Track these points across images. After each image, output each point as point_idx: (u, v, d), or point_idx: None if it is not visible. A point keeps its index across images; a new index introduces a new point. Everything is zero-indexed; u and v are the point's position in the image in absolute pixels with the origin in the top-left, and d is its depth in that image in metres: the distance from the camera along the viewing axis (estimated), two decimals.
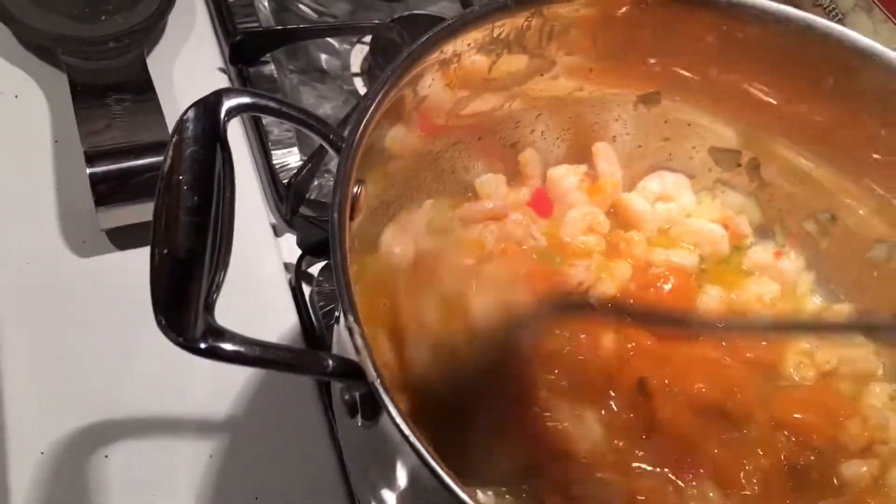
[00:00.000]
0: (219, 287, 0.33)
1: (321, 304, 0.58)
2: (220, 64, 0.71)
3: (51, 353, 0.53)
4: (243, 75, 0.69)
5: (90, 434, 0.50)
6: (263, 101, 0.37)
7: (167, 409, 0.52)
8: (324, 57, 0.75)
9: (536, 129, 0.55)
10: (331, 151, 0.39)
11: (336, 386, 0.38)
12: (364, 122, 0.38)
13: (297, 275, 0.60)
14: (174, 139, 0.34)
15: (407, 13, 0.78)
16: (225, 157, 0.35)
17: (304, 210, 0.63)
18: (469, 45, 0.46)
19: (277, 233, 0.63)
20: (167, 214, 0.32)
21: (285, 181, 0.62)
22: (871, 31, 0.75)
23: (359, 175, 0.40)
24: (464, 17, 0.44)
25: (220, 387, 0.53)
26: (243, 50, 0.69)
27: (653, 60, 0.52)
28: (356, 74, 0.75)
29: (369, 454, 0.39)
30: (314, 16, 0.77)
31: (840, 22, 0.76)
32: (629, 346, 0.47)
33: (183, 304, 0.31)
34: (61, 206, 0.59)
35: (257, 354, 0.31)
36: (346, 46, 0.76)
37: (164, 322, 0.30)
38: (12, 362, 0.52)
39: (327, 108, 0.71)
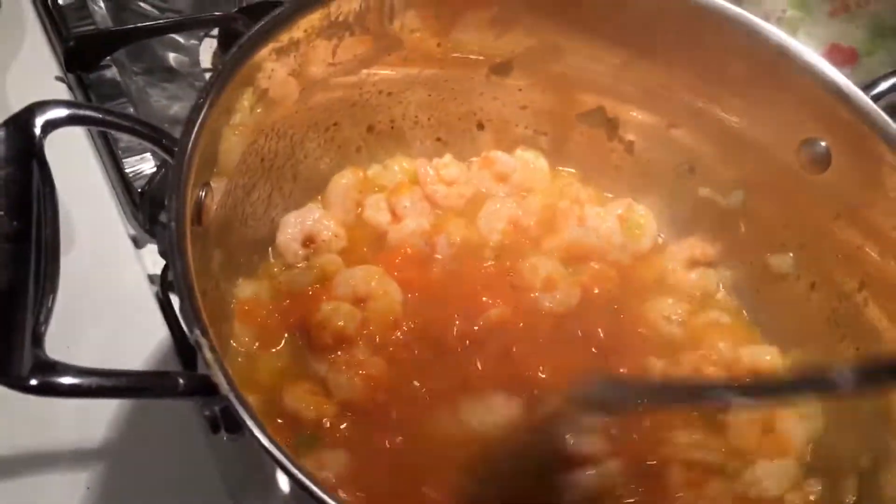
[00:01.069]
0: (48, 315, 0.30)
1: None
2: (58, 72, 0.66)
3: None
4: (83, 82, 0.65)
5: None
6: (83, 112, 0.35)
7: (35, 444, 0.49)
8: (171, 55, 0.71)
9: (395, 112, 0.55)
10: (165, 157, 0.37)
11: (197, 403, 0.36)
12: (198, 124, 0.37)
13: (164, 286, 0.57)
14: None
15: (254, 2, 0.75)
16: (44, 176, 0.33)
17: (163, 217, 0.60)
18: (306, 31, 0.44)
19: (139, 244, 0.60)
20: None
21: (140, 189, 0.59)
22: None
23: (201, 178, 0.38)
24: (295, 2, 0.43)
25: (90, 412, 0.51)
26: (80, 55, 0.65)
27: (497, 31, 0.51)
28: (207, 70, 0.72)
29: (243, 466, 0.38)
30: (156, 12, 0.74)
31: None
32: None
33: (6, 341, 0.28)
34: None
35: (97, 384, 0.30)
36: (194, 42, 0.72)
37: None
38: None
39: (178, 108, 0.68)
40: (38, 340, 0.29)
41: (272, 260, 0.50)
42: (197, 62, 0.72)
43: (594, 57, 0.53)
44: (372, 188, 0.53)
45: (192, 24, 0.70)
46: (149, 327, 0.55)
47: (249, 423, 0.30)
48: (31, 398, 0.48)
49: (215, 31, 0.73)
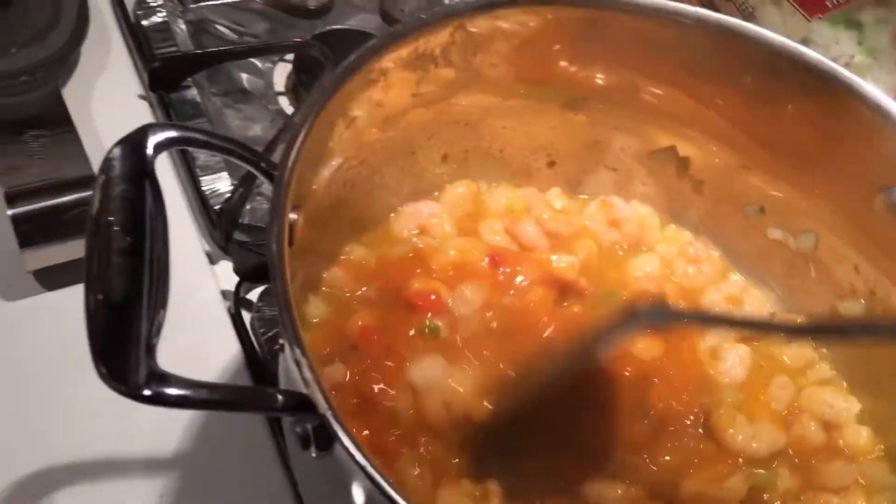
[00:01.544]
0: (159, 329, 0.32)
1: (262, 329, 0.57)
2: (140, 91, 0.69)
3: None
4: (164, 102, 0.67)
5: (33, 487, 0.48)
6: (190, 134, 0.37)
7: (112, 451, 0.50)
8: (245, 77, 0.73)
9: (468, 143, 0.56)
10: (265, 181, 0.39)
11: (287, 419, 0.37)
12: (295, 149, 0.38)
13: (236, 302, 0.59)
14: (101, 179, 0.33)
15: (327, 28, 0.77)
16: (155, 193, 0.34)
17: (238, 235, 0.62)
18: (395, 62, 0.45)
19: (213, 260, 0.61)
20: (99, 258, 0.31)
21: (217, 207, 0.61)
22: (780, 24, 0.77)
23: (294, 202, 0.39)
24: (389, 35, 0.44)
25: (166, 423, 0.52)
26: (163, 76, 0.67)
27: (575, 68, 0.52)
28: (280, 93, 0.74)
29: (325, 485, 0.39)
30: (233, 36, 0.76)
31: (750, 16, 0.79)
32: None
33: (123, 351, 0.30)
34: None
35: (204, 397, 0.31)
36: (269, 65, 0.74)
37: (104, 371, 0.29)
38: None
39: (256, 129, 0.70)
40: (150, 352, 0.30)
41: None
42: (271, 85, 0.74)
43: (670, 97, 0.53)
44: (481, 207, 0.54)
45: (272, 50, 0.72)
46: (221, 341, 0.56)
47: (347, 442, 0.31)
48: (109, 407, 0.51)
49: (289, 56, 0.75)
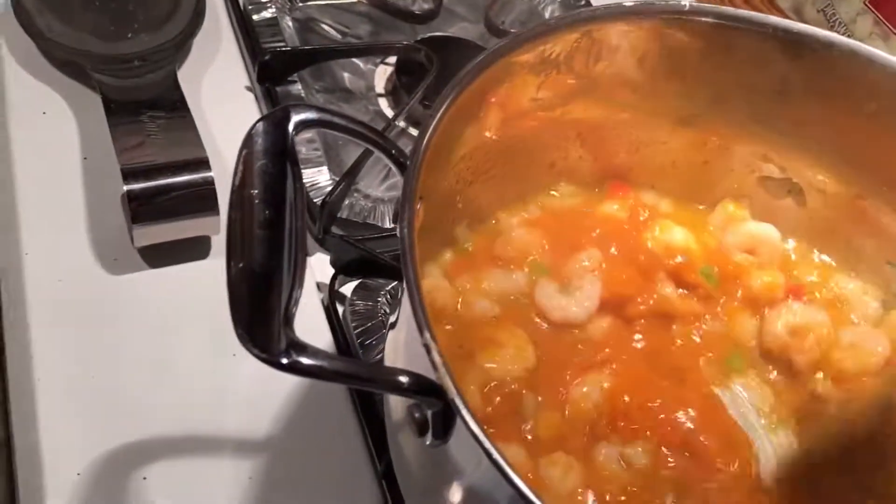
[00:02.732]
0: (297, 301, 0.32)
1: (354, 323, 0.58)
2: (247, 83, 0.70)
3: (85, 371, 0.52)
4: (271, 94, 0.69)
5: (127, 455, 0.49)
6: (330, 117, 0.37)
7: (205, 429, 0.51)
8: (347, 76, 0.75)
9: (571, 153, 0.55)
10: (394, 168, 0.39)
11: (400, 405, 0.38)
12: (426, 139, 0.38)
13: (331, 294, 0.59)
14: (243, 152, 0.34)
15: (429, 35, 0.78)
16: (294, 171, 0.35)
17: (335, 229, 0.63)
18: (520, 64, 0.46)
19: (309, 252, 0.62)
20: (242, 228, 0.32)
21: (316, 200, 0.62)
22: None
23: (420, 191, 0.40)
24: (518, 36, 0.44)
25: (257, 407, 0.53)
26: (271, 69, 0.69)
27: (694, 84, 0.52)
28: (381, 95, 0.75)
29: (434, 476, 0.39)
30: (337, 36, 0.78)
31: (846, 31, 0.77)
32: None
33: (264, 318, 0.30)
34: (92, 223, 0.59)
35: (338, 369, 0.31)
36: (371, 66, 0.76)
37: (245, 336, 0.30)
38: (46, 380, 0.51)
39: None
40: (289, 322, 0.31)
41: None
42: (372, 86, 0.75)
43: (788, 121, 0.52)
44: None
45: (378, 50, 0.73)
46: (314, 332, 0.57)
47: (473, 426, 0.31)
48: (204, 384, 0.52)
49: (390, 59, 0.76)
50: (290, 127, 0.36)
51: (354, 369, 0.31)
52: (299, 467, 0.51)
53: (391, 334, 0.42)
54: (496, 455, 0.30)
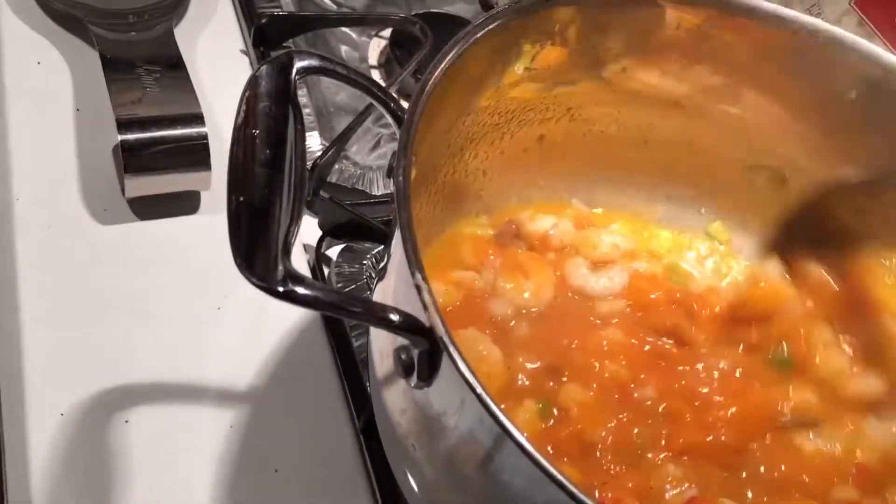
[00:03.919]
0: (295, 235, 0.34)
1: (340, 285, 0.60)
2: (242, 46, 0.72)
3: (71, 317, 0.53)
4: (265, 58, 0.69)
5: (111, 399, 0.51)
6: (332, 66, 0.39)
7: (188, 378, 0.53)
8: (343, 48, 0.76)
9: (562, 125, 0.57)
10: (390, 121, 0.41)
11: (386, 349, 0.39)
12: (426, 94, 0.40)
13: (318, 257, 0.61)
14: (247, 94, 0.36)
15: (424, 11, 0.80)
16: (296, 115, 0.36)
17: (323, 193, 0.64)
18: (520, 31, 0.47)
19: None
20: (243, 165, 0.34)
21: (307, 164, 0.63)
22: None
23: (414, 149, 0.41)
24: (518, 5, 0.46)
25: (241, 358, 0.54)
26: (266, 33, 0.70)
27: (685, 66, 0.53)
28: (374, 67, 0.76)
29: (416, 420, 0.40)
30: (333, 6, 0.79)
31: None
32: None
33: (262, 249, 0.32)
34: (82, 173, 0.60)
35: (332, 300, 0.33)
36: (365, 38, 0.77)
37: (244, 264, 0.31)
38: (33, 325, 0.52)
39: (343, 96, 0.73)
40: (287, 253, 0.33)
41: None
42: (365, 58, 0.76)
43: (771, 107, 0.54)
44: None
45: (373, 21, 0.75)
46: None
47: (460, 363, 0.32)
48: (189, 333, 0.53)
49: (384, 32, 0.78)
50: (293, 72, 0.38)
51: (348, 301, 0.33)
52: (280, 420, 0.53)
53: (379, 285, 0.44)
54: (480, 390, 0.32)
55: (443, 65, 0.41)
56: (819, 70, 0.52)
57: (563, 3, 0.48)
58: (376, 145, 0.69)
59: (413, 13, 0.79)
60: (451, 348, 0.33)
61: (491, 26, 0.44)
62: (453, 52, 0.42)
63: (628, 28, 0.52)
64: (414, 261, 0.35)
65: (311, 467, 0.51)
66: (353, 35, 0.77)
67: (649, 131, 0.58)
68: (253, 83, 0.37)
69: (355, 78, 0.40)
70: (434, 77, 0.40)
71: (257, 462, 0.51)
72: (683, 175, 0.60)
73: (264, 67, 0.37)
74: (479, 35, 0.44)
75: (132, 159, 0.55)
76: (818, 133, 0.55)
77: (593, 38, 0.51)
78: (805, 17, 0.51)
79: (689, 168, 0.59)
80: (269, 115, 0.36)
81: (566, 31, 0.50)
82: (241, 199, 0.34)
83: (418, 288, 0.34)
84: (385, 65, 0.76)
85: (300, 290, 0.32)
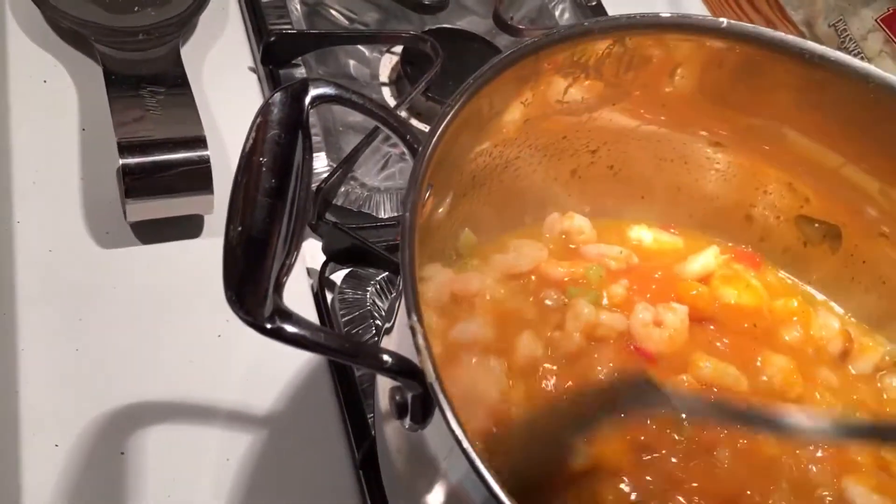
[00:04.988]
0: (289, 270, 0.34)
1: (342, 311, 0.60)
2: (251, 63, 0.72)
3: (69, 342, 0.53)
4: (273, 76, 0.70)
5: (107, 429, 0.51)
6: (348, 95, 0.39)
7: (186, 408, 0.53)
8: (352, 63, 0.77)
9: (598, 160, 0.56)
10: (405, 151, 0.41)
11: (385, 388, 0.39)
12: (442, 126, 0.39)
13: (321, 281, 0.61)
14: (258, 120, 0.36)
15: (437, 27, 0.80)
16: (306, 144, 0.36)
17: (329, 216, 0.64)
18: (549, 64, 0.46)
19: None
20: (245, 193, 0.34)
21: (313, 186, 0.63)
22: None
23: (429, 179, 0.41)
24: (549, 36, 0.45)
25: (240, 387, 0.54)
26: (276, 51, 0.70)
27: (724, 103, 0.52)
28: (384, 84, 0.76)
29: (411, 460, 0.40)
30: (345, 22, 0.79)
31: (856, 48, 0.79)
32: None
33: (253, 283, 0.32)
34: (86, 194, 0.60)
35: (320, 341, 0.32)
36: (376, 55, 0.78)
37: (234, 298, 0.31)
38: (30, 349, 0.53)
39: (356, 115, 0.73)
40: (279, 289, 0.32)
41: None
42: (376, 75, 0.77)
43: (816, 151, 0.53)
44: None
45: (384, 39, 0.75)
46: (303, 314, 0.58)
47: (448, 412, 0.32)
48: (190, 370, 0.53)
49: (396, 48, 0.78)
50: (307, 100, 0.38)
51: (338, 343, 0.33)
52: (278, 452, 0.53)
53: (385, 339, 0.44)
54: (466, 444, 0.32)
55: (461, 100, 0.40)
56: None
57: (597, 35, 0.47)
58: (385, 166, 0.69)
59: (425, 28, 0.79)
60: (441, 396, 0.32)
61: (519, 59, 0.44)
62: (473, 86, 0.41)
63: (666, 63, 0.50)
64: (412, 303, 0.34)
65: (309, 501, 0.51)
66: (365, 51, 0.77)
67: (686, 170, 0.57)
68: (265, 110, 0.37)
69: (370, 107, 0.40)
70: (452, 111, 0.40)
71: (255, 495, 0.51)
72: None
73: (278, 94, 0.37)
74: (505, 68, 0.43)
75: (133, 183, 0.56)
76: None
77: (630, 73, 0.50)
78: (856, 61, 0.49)
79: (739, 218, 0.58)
80: (278, 143, 0.36)
81: (602, 65, 0.49)
82: (240, 228, 0.34)
83: (412, 330, 0.34)
84: (396, 82, 0.77)
85: (288, 327, 0.32)
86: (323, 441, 0.53)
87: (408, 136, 0.40)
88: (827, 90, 0.49)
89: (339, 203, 0.65)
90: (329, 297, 0.61)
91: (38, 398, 0.51)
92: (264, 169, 0.34)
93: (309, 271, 0.62)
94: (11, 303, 0.54)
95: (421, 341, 0.34)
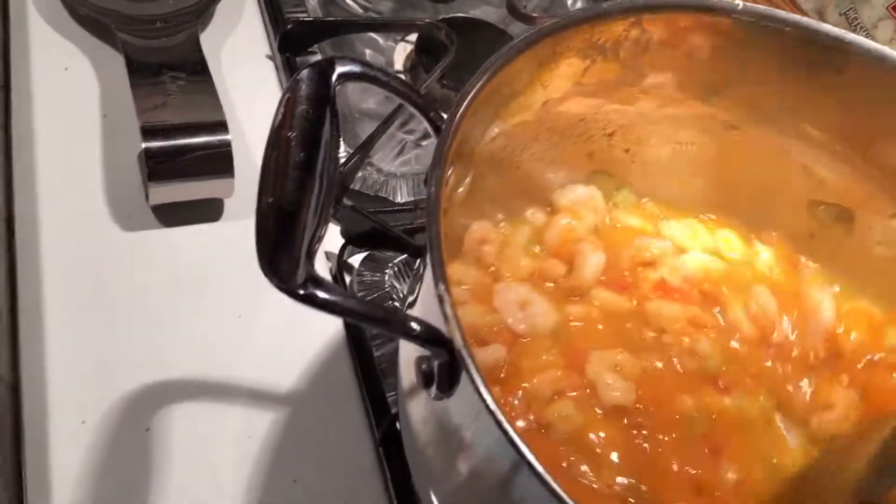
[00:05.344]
0: (320, 239, 0.35)
1: (361, 293, 0.61)
2: (267, 51, 0.73)
3: (94, 322, 0.55)
4: (290, 64, 0.71)
5: (132, 406, 0.52)
6: (373, 72, 0.40)
7: (208, 387, 0.54)
8: (368, 52, 0.78)
9: (615, 143, 0.57)
10: (429, 129, 0.42)
11: (411, 359, 0.40)
12: (465, 105, 0.40)
13: (339, 264, 0.62)
14: (286, 96, 0.37)
15: (451, 15, 0.81)
16: (333, 120, 0.37)
17: (346, 201, 0.65)
18: (568, 46, 0.47)
19: None
20: (275, 167, 0.35)
21: None
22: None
23: (451, 158, 0.42)
24: (568, 18, 0.46)
25: (261, 367, 0.55)
26: (292, 39, 0.71)
27: (739, 85, 0.53)
28: (399, 72, 0.78)
29: (437, 430, 0.41)
30: (360, 10, 0.81)
31: (867, 36, 0.79)
32: None
33: (286, 251, 0.33)
34: (107, 179, 0.61)
35: (351, 306, 0.33)
36: (391, 43, 0.79)
37: (267, 266, 0.32)
38: (56, 329, 0.54)
39: (371, 102, 0.74)
40: (310, 257, 0.33)
41: None
42: (391, 63, 0.78)
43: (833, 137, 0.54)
44: None
45: (399, 27, 0.76)
46: None
47: (476, 376, 0.33)
48: (213, 349, 0.55)
49: (410, 36, 0.79)
50: (334, 77, 0.39)
51: (369, 308, 0.34)
52: (299, 430, 0.54)
53: (412, 294, 0.45)
54: (493, 406, 0.33)
55: (483, 79, 0.41)
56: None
57: (614, 16, 0.48)
58: (401, 152, 0.71)
59: (439, 17, 0.80)
60: (469, 362, 0.33)
61: (536, 39, 0.44)
62: (494, 65, 0.42)
63: (682, 45, 0.51)
64: (439, 272, 0.35)
65: (329, 478, 0.52)
66: (380, 40, 0.78)
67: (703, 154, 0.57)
68: (293, 86, 0.38)
69: (395, 85, 0.41)
70: (474, 89, 0.41)
71: (276, 472, 0.52)
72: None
73: (305, 71, 0.38)
74: (523, 48, 0.44)
75: (156, 167, 0.57)
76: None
77: (646, 55, 0.51)
78: (870, 42, 0.49)
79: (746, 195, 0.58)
80: (307, 118, 0.37)
81: (619, 47, 0.49)
82: (271, 200, 0.35)
83: (440, 299, 0.35)
84: (411, 70, 0.78)
85: (320, 293, 0.33)
86: (342, 419, 0.54)
87: (431, 114, 0.41)
88: (844, 73, 0.50)
89: (356, 188, 0.66)
90: (347, 279, 0.62)
91: (64, 377, 0.52)
92: (293, 143, 0.35)
93: (327, 255, 0.63)
94: (37, 283, 0.55)
95: (449, 309, 0.35)
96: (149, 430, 0.51)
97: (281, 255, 0.33)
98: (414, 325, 0.35)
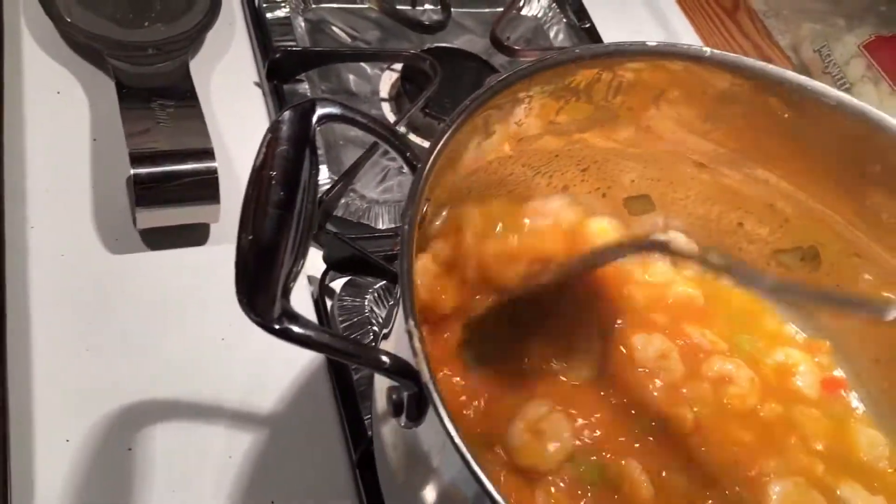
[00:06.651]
0: (296, 276, 0.37)
1: (341, 318, 0.63)
2: (256, 79, 0.76)
3: (80, 342, 0.56)
4: (278, 91, 0.74)
5: (116, 426, 0.54)
6: (352, 115, 0.42)
7: (190, 408, 0.56)
8: (353, 79, 0.80)
9: (588, 178, 0.60)
10: (406, 169, 0.44)
11: (383, 388, 0.42)
12: (441, 144, 0.42)
13: (321, 288, 0.64)
14: (268, 137, 0.39)
15: (436, 45, 0.84)
16: (312, 160, 0.39)
17: (330, 227, 0.67)
18: (542, 87, 0.49)
19: None
20: (256, 204, 0.37)
21: (319, 198, 0.67)
22: (876, 103, 0.81)
23: (427, 194, 0.44)
24: (542, 62, 0.47)
25: (242, 389, 0.57)
26: (280, 67, 0.74)
27: (708, 127, 0.55)
28: (384, 100, 0.80)
29: (406, 456, 0.43)
30: (347, 39, 0.83)
31: (847, 92, 0.82)
32: None
33: (263, 287, 0.35)
34: (96, 202, 0.63)
35: (325, 341, 0.36)
36: (377, 71, 0.81)
37: (245, 301, 0.34)
38: (43, 349, 0.55)
39: (355, 130, 0.76)
40: (286, 293, 0.35)
41: None
42: (376, 91, 0.80)
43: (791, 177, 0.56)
44: None
45: (385, 57, 0.78)
46: None
47: (442, 412, 0.35)
48: (196, 371, 0.56)
49: (396, 65, 0.81)
50: (314, 118, 0.41)
51: (341, 343, 0.36)
52: (278, 451, 0.56)
53: (383, 343, 0.47)
54: (458, 440, 0.35)
55: (459, 119, 0.43)
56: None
57: (587, 61, 0.50)
58: (383, 179, 0.73)
59: (424, 47, 0.82)
60: (435, 396, 0.36)
61: (513, 82, 0.46)
62: (470, 107, 0.44)
63: (653, 88, 0.53)
64: (409, 308, 0.37)
65: (307, 499, 0.54)
66: (367, 68, 0.81)
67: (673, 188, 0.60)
68: (274, 127, 0.40)
69: (373, 126, 0.43)
70: (449, 130, 0.43)
71: (255, 492, 0.54)
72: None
73: (287, 113, 0.40)
74: (500, 91, 0.46)
75: (143, 192, 0.59)
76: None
77: (618, 97, 0.53)
78: (835, 92, 0.51)
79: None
80: (287, 158, 0.39)
81: (591, 89, 0.51)
82: (251, 237, 0.37)
83: (409, 334, 0.37)
84: (396, 98, 0.80)
85: (295, 328, 0.35)
86: (321, 441, 0.56)
87: (408, 153, 0.43)
88: (806, 117, 0.52)
89: (339, 214, 0.68)
90: (329, 303, 0.64)
91: (50, 396, 0.54)
92: (273, 182, 0.37)
93: (310, 279, 0.65)
94: (25, 304, 0.57)
95: (417, 344, 0.37)
96: (131, 449, 0.53)
97: (258, 290, 0.35)
98: (384, 358, 0.38)
